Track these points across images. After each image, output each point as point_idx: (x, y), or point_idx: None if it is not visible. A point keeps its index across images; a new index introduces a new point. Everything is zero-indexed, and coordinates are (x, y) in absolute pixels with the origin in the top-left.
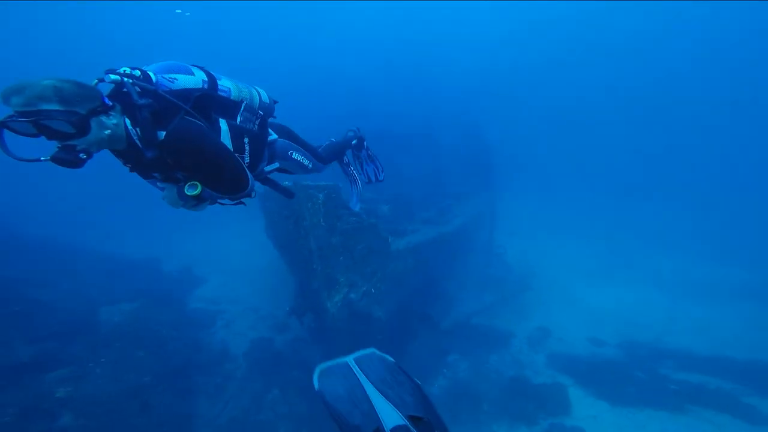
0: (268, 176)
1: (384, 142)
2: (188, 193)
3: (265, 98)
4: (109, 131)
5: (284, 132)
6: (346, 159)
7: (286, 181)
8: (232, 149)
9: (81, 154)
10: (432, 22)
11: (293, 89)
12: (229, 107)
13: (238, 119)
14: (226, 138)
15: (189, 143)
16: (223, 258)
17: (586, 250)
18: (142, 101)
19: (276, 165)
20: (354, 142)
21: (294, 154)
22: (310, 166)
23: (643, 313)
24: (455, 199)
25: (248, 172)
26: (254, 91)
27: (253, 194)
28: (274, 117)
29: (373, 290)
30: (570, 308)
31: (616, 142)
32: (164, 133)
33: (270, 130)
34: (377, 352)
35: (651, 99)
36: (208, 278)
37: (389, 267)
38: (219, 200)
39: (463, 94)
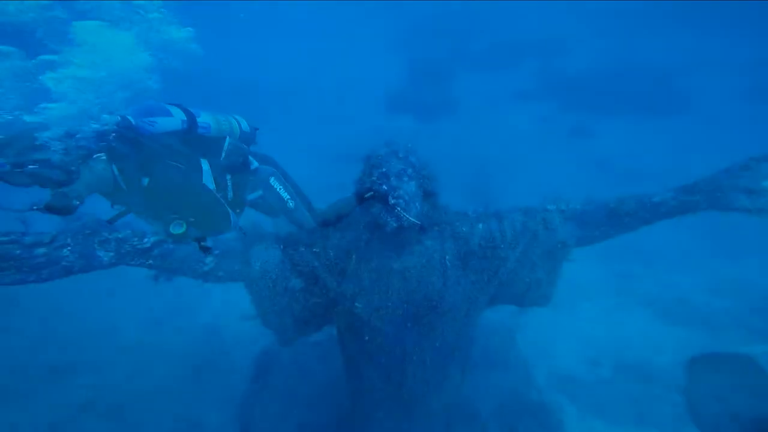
0: (255, 202)
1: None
2: (174, 232)
3: (245, 127)
4: (98, 176)
5: (271, 163)
6: None
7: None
8: (214, 188)
9: (74, 201)
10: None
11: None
12: (211, 145)
13: (221, 156)
14: (208, 178)
15: (170, 190)
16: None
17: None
18: (124, 150)
19: (260, 193)
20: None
21: (273, 180)
22: (292, 205)
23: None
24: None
25: (230, 213)
26: (234, 121)
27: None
28: (256, 143)
29: None
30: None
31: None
32: (147, 180)
33: (252, 158)
34: None
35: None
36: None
37: None
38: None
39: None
